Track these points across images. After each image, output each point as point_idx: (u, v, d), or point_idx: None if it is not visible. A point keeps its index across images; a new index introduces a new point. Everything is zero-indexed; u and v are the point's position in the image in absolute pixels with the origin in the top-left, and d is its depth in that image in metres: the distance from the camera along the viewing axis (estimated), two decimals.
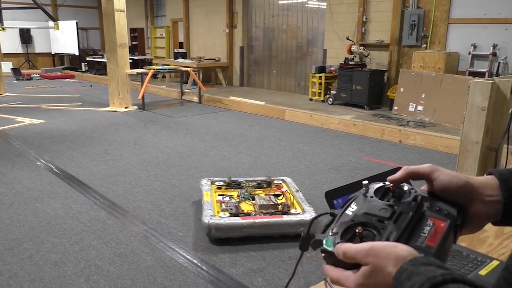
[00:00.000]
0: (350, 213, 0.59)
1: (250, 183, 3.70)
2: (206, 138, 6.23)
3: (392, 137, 6.19)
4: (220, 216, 3.05)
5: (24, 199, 3.84)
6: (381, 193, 0.62)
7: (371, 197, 0.61)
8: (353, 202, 0.61)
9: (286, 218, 3.05)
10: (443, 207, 0.59)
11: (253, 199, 3.40)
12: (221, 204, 3.32)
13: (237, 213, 3.14)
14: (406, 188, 0.61)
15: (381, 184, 0.63)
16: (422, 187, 0.64)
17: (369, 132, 6.46)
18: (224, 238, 3.01)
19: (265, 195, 3.47)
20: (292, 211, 3.18)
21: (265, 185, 3.68)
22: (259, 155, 5.33)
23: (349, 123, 6.78)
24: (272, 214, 3.14)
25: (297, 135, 6.51)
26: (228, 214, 3.09)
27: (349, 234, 0.57)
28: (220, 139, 6.17)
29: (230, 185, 3.69)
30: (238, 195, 3.50)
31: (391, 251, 0.51)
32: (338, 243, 0.56)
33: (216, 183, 3.69)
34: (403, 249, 0.51)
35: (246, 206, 3.31)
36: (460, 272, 0.59)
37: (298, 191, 3.53)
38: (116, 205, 3.74)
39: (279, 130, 6.86)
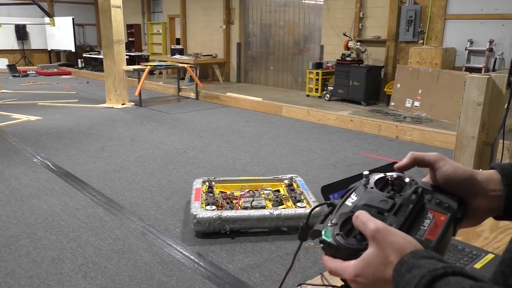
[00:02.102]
0: (350, 204, 0.59)
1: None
2: (203, 134, 6.22)
3: (389, 132, 6.20)
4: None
5: (21, 196, 3.83)
6: (382, 184, 0.61)
7: (372, 188, 0.61)
8: (353, 193, 0.61)
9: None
10: (443, 200, 0.58)
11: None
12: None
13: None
14: (407, 180, 0.61)
15: (381, 175, 0.63)
16: (423, 179, 0.63)
17: (366, 128, 6.46)
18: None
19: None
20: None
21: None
22: (257, 151, 5.33)
23: (346, 119, 6.79)
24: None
25: (294, 131, 6.51)
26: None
27: (349, 225, 0.56)
28: (217, 135, 6.17)
29: None
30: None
31: (399, 240, 0.51)
32: (337, 234, 0.56)
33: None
34: (410, 242, 0.51)
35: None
36: (460, 266, 0.60)
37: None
38: (113, 202, 3.73)
39: (276, 126, 6.86)
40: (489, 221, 1.33)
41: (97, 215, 3.45)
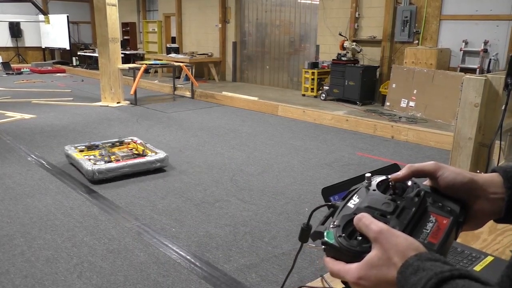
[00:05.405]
0: (352, 206, 0.59)
1: (106, 144, 4.83)
2: (198, 133, 6.21)
3: (384, 132, 6.22)
4: (99, 164, 4.20)
5: (15, 195, 3.80)
6: (384, 186, 0.61)
7: (374, 190, 0.60)
8: (355, 195, 0.60)
9: (147, 158, 4.39)
10: (446, 203, 0.58)
11: (113, 154, 4.56)
12: (90, 159, 4.39)
13: (110, 160, 4.34)
14: (409, 182, 0.61)
15: (383, 177, 0.62)
16: (424, 182, 0.63)
17: (362, 127, 6.48)
18: (106, 179, 4.10)
19: (124, 149, 4.75)
20: (148, 155, 4.54)
21: (118, 144, 4.88)
22: (252, 151, 5.32)
23: (341, 118, 6.80)
24: (135, 157, 4.46)
25: (290, 130, 6.52)
26: (103, 162, 4.28)
27: (351, 227, 0.56)
28: (213, 134, 6.15)
29: (90, 147, 4.75)
30: (99, 154, 4.55)
31: (402, 242, 0.51)
32: (339, 236, 0.55)
33: (79, 147, 4.74)
34: (414, 244, 0.51)
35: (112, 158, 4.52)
36: (466, 269, 0.59)
37: (146, 143, 4.89)
38: (109, 201, 3.71)
39: (272, 125, 6.86)
40: (488, 223, 1.33)
41: (92, 214, 3.43)
